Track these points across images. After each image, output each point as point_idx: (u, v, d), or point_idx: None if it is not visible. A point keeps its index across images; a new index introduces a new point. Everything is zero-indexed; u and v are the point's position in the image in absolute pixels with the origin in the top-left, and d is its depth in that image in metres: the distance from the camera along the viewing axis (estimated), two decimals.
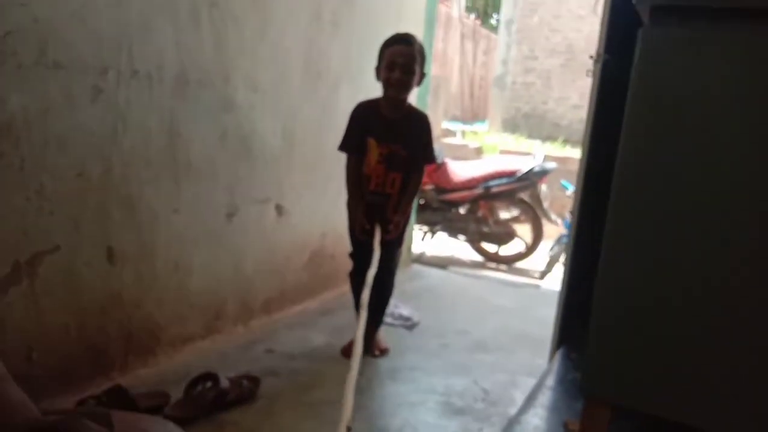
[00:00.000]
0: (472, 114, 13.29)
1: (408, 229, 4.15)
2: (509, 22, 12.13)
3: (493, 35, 14.28)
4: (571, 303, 2.51)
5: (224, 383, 2.17)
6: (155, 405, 2.08)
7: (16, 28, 1.77)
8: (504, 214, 5.58)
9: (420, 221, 5.34)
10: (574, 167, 6.72)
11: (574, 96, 11.40)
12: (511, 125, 11.90)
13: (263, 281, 3.03)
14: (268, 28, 2.77)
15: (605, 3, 2.45)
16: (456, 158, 6.30)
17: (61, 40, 1.91)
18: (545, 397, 2.01)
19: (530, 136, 10.84)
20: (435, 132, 8.39)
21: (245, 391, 2.24)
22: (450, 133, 9.27)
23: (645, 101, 1.48)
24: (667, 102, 1.43)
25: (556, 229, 5.64)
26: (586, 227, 2.48)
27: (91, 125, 2.05)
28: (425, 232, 5.46)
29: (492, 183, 5.34)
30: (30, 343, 1.97)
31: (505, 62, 12.21)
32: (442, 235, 5.51)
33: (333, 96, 3.28)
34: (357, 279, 2.65)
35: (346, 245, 2.78)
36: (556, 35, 11.73)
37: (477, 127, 11.66)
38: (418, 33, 3.98)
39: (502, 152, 8.36)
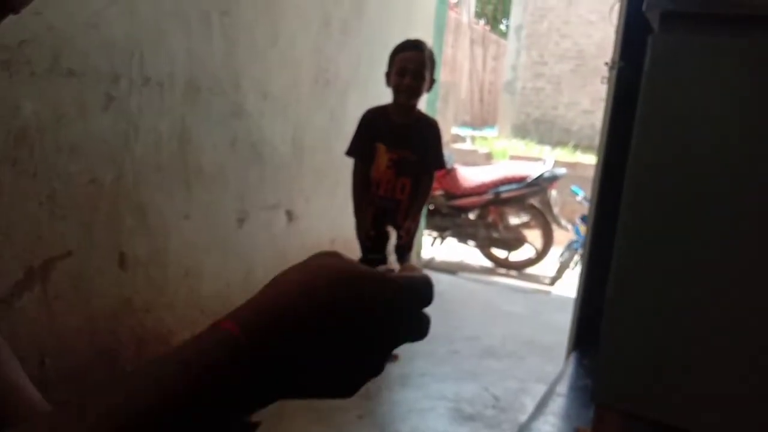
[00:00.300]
0: (482, 119, 13.28)
1: (417, 234, 4.15)
2: (519, 28, 12.13)
3: (502, 41, 14.28)
4: (587, 308, 2.50)
5: None
6: None
7: (30, 37, 1.79)
8: (514, 220, 5.57)
9: (429, 226, 5.34)
10: (585, 172, 6.70)
11: (585, 101, 11.37)
12: (521, 131, 11.89)
13: None
14: (278, 36, 2.78)
15: (620, 10, 2.45)
16: (466, 164, 6.30)
17: (75, 49, 1.93)
18: (556, 404, 2.00)
19: (540, 141, 10.82)
20: (444, 137, 8.39)
21: None
22: (460, 138, 9.27)
23: (655, 108, 1.47)
24: (678, 109, 1.43)
25: (566, 235, 5.61)
26: (603, 233, 2.47)
27: (103, 132, 2.07)
28: (435, 238, 5.45)
29: (502, 188, 5.33)
30: (42, 348, 1.99)
31: (514, 68, 12.20)
32: (451, 241, 5.50)
33: (342, 103, 3.29)
34: None
35: (355, 251, 2.79)
36: (566, 41, 11.71)
37: (487, 132, 11.65)
38: (428, 39, 3.99)
39: (512, 158, 8.35)
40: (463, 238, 5.46)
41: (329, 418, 2.21)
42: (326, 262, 0.42)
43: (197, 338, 0.39)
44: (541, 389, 2.40)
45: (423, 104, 3.81)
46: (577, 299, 2.57)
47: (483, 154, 8.37)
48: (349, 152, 2.61)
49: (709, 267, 1.41)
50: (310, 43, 3.01)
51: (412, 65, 2.42)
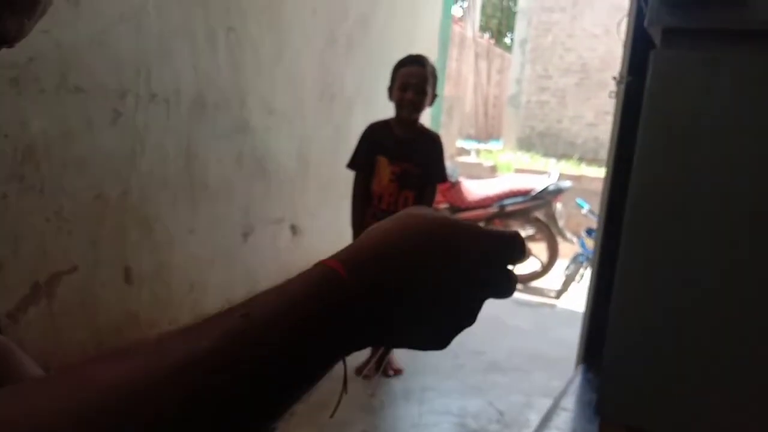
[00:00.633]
0: (487, 133, 13.31)
1: None
2: (523, 42, 12.19)
3: (507, 54, 14.35)
4: (594, 322, 2.49)
5: None
6: None
7: (38, 54, 1.82)
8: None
9: None
10: (590, 185, 6.68)
11: (589, 114, 11.39)
12: (526, 144, 11.90)
13: None
14: (283, 52, 2.81)
15: (627, 25, 2.47)
16: (470, 177, 6.30)
17: (82, 65, 1.96)
18: (561, 419, 1.99)
19: (545, 154, 10.82)
20: (449, 151, 8.41)
21: None
22: (464, 151, 9.29)
23: (657, 122, 1.48)
24: (679, 123, 1.44)
25: (571, 248, 5.60)
26: (611, 247, 2.47)
27: (109, 148, 2.10)
28: None
29: (507, 202, 5.33)
30: (48, 362, 1.99)
31: (519, 81, 12.25)
32: None
33: (347, 117, 3.31)
34: None
35: None
36: (571, 54, 11.75)
37: (491, 145, 11.68)
38: (432, 54, 4.02)
39: (517, 171, 8.35)
40: None
41: None
42: (425, 212, 0.44)
43: (302, 275, 0.40)
44: (546, 404, 2.39)
45: (427, 118, 3.83)
46: (585, 313, 2.56)
47: (488, 167, 8.38)
48: (351, 165, 2.63)
49: (712, 281, 1.41)
50: (315, 58, 3.04)
51: (414, 80, 2.44)
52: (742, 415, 1.35)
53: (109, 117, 2.08)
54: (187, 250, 2.47)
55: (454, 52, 11.71)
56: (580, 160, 10.17)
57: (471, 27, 12.84)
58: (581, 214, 5.57)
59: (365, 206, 2.61)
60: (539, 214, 5.40)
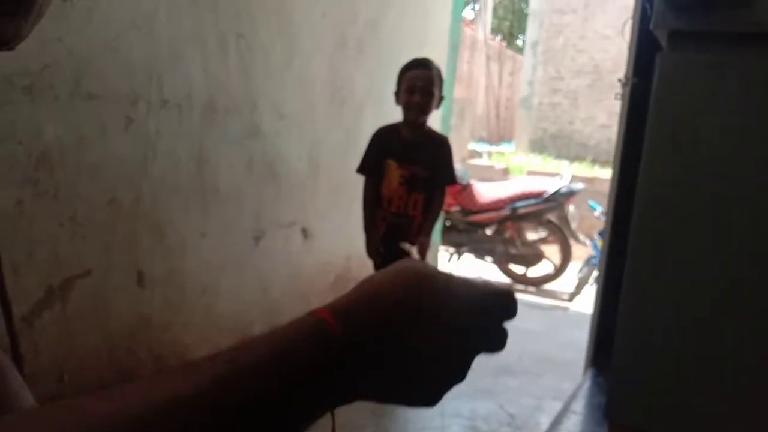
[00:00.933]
0: (499, 135, 13.28)
1: (431, 250, 4.15)
2: (535, 44, 12.15)
3: (518, 56, 14.31)
4: (603, 325, 2.49)
5: None
6: None
7: (52, 62, 1.85)
8: (531, 236, 5.54)
9: (446, 242, 5.33)
10: (603, 187, 6.65)
11: (602, 116, 11.33)
12: (539, 146, 11.86)
13: (289, 304, 3.06)
14: (294, 57, 2.83)
15: (632, 27, 2.46)
16: (482, 179, 6.30)
17: (95, 73, 1.99)
18: (571, 422, 1.99)
19: (558, 156, 10.78)
20: (461, 153, 8.38)
21: None
22: (476, 154, 9.28)
23: (664, 125, 1.48)
24: (686, 125, 1.43)
25: (584, 250, 5.57)
26: (619, 248, 2.46)
27: (122, 154, 2.13)
28: (451, 254, 5.44)
29: (519, 204, 5.32)
30: (62, 366, 2.03)
31: (531, 83, 12.21)
32: (468, 257, 5.49)
33: (357, 121, 3.33)
34: None
35: (370, 268, 2.80)
36: (582, 56, 11.70)
37: (504, 147, 11.65)
38: (443, 57, 4.02)
39: (529, 173, 8.33)
40: (480, 253, 5.45)
41: None
42: (418, 266, 0.44)
43: (292, 323, 0.40)
44: (557, 407, 2.39)
45: (437, 121, 3.84)
46: (593, 315, 2.55)
47: (500, 170, 8.36)
48: (361, 169, 2.64)
49: (719, 283, 1.40)
50: (325, 62, 3.06)
51: (421, 83, 2.46)
52: (752, 418, 1.34)
53: (121, 123, 2.11)
54: (199, 255, 2.50)
55: (465, 55, 11.70)
56: (593, 162, 10.11)
57: (482, 29, 12.83)
58: (594, 216, 5.54)
59: (376, 210, 2.63)
60: (552, 217, 5.39)
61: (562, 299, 5.16)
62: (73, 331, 2.04)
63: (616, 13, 10.60)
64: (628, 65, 2.48)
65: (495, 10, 17.02)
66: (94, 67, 1.98)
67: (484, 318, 0.44)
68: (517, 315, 0.44)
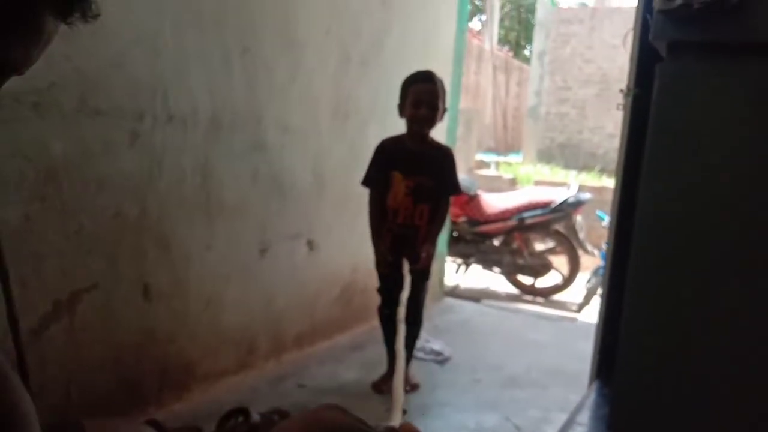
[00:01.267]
0: (507, 145, 13.29)
1: (438, 261, 4.14)
2: (542, 54, 12.18)
3: (525, 66, 14.34)
4: (609, 336, 2.47)
5: (255, 418, 2.18)
6: None
7: (59, 80, 1.89)
8: (539, 246, 5.53)
9: (453, 253, 5.33)
10: (611, 197, 6.60)
11: (610, 125, 11.31)
12: (546, 156, 11.85)
13: (295, 316, 3.07)
14: (298, 72, 2.86)
15: (633, 37, 2.47)
16: (490, 190, 6.30)
17: (101, 89, 2.02)
18: None
19: (566, 166, 10.76)
20: (468, 164, 8.38)
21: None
22: (484, 164, 9.28)
23: (664, 135, 1.49)
24: (686, 135, 1.44)
25: (593, 261, 5.55)
26: (623, 259, 2.46)
27: (128, 168, 2.15)
28: (459, 265, 5.43)
29: (526, 214, 5.31)
30: (69, 377, 2.04)
31: (538, 93, 12.22)
32: (476, 268, 5.48)
33: (361, 134, 3.35)
34: (385, 313, 2.68)
35: (376, 280, 2.81)
36: (590, 65, 11.71)
37: (511, 158, 11.64)
38: (447, 69, 4.04)
39: (537, 183, 8.32)
40: (487, 264, 5.44)
41: None
42: (328, 417, 0.45)
43: None
44: (563, 419, 2.37)
45: (443, 132, 3.85)
46: (598, 326, 2.54)
47: (507, 180, 8.36)
48: (365, 182, 2.66)
49: (722, 294, 1.40)
50: (329, 77, 3.08)
51: (426, 96, 2.48)
52: (754, 430, 1.33)
53: (127, 138, 2.14)
54: (204, 267, 2.51)
55: (472, 66, 11.74)
56: (602, 171, 10.08)
57: (489, 40, 12.87)
58: (602, 226, 5.52)
59: (382, 221, 2.64)
60: (559, 227, 5.38)
61: (570, 310, 5.13)
62: (79, 343, 2.06)
63: (623, 22, 10.60)
64: (630, 76, 2.49)
65: (502, 20, 17.08)
66: (100, 84, 2.01)
67: None
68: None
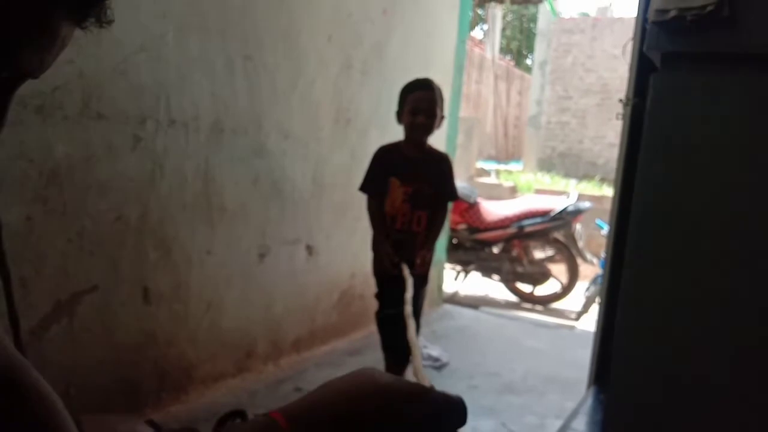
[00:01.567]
0: (507, 153, 13.32)
1: (436, 268, 4.16)
2: (543, 63, 12.23)
3: (527, 75, 14.40)
4: (606, 342, 2.49)
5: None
6: None
7: (63, 83, 1.91)
8: (539, 254, 5.54)
9: (453, 260, 5.34)
10: (610, 206, 6.61)
11: (610, 134, 11.34)
12: (547, 164, 11.88)
13: (293, 320, 3.09)
14: (299, 78, 2.89)
15: (633, 48, 2.50)
16: (491, 198, 6.32)
17: (104, 93, 2.05)
18: None
19: (566, 175, 10.79)
20: (469, 172, 8.39)
21: None
22: (484, 172, 9.30)
23: (657, 146, 1.51)
24: (679, 146, 1.46)
25: (592, 269, 5.56)
26: (621, 267, 2.47)
27: (130, 172, 2.18)
28: (458, 272, 5.45)
29: (525, 222, 5.33)
30: (68, 379, 2.06)
31: (539, 102, 12.27)
32: (475, 275, 5.49)
33: (362, 141, 3.37)
34: (389, 314, 2.67)
35: (374, 286, 2.83)
36: (591, 75, 11.76)
37: (512, 166, 11.68)
38: (448, 78, 4.08)
39: (537, 191, 8.35)
40: (487, 272, 5.45)
41: None
42: (374, 375, 0.46)
43: (250, 422, 0.45)
44: (559, 425, 2.38)
45: (442, 139, 3.88)
46: (596, 333, 2.56)
47: (508, 188, 8.38)
48: (363, 188, 2.68)
49: (716, 301, 1.42)
50: (330, 84, 3.11)
51: (424, 104, 2.50)
52: None
53: (129, 142, 2.16)
54: (204, 271, 2.53)
55: (474, 74, 11.79)
56: (602, 180, 10.11)
57: (491, 49, 12.93)
58: (601, 235, 5.53)
59: (383, 225, 2.64)
60: (559, 235, 5.39)
61: (569, 318, 5.14)
62: (79, 344, 2.07)
63: (624, 32, 10.65)
64: (629, 85, 2.52)
65: (504, 30, 17.15)
66: (103, 89, 2.04)
67: (434, 425, 0.46)
68: (464, 422, 0.46)
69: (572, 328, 4.68)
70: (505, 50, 17.94)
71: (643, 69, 2.41)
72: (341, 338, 3.43)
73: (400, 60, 3.62)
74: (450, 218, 4.96)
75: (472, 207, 5.37)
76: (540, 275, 5.42)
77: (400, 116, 2.60)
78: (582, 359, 2.67)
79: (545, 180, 9.92)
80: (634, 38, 2.52)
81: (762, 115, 1.35)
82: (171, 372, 2.44)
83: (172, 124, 2.31)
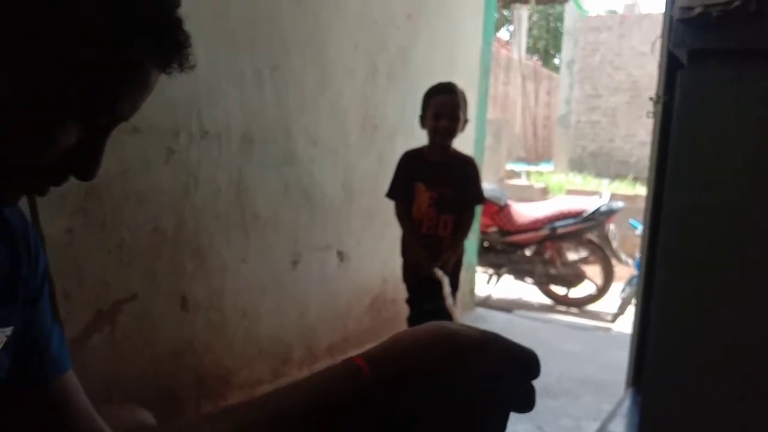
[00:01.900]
0: (537, 154, 13.21)
1: (468, 271, 4.15)
2: (571, 62, 12.11)
3: (555, 75, 14.27)
4: (643, 344, 2.46)
5: None
6: None
7: None
8: (572, 256, 5.48)
9: (484, 264, 5.32)
10: (644, 206, 6.52)
11: (642, 133, 11.16)
12: (578, 164, 11.74)
13: (327, 326, 3.12)
14: (326, 86, 2.93)
15: (662, 44, 2.47)
16: (521, 199, 6.28)
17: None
18: None
19: (598, 174, 10.65)
20: (499, 174, 8.36)
21: None
22: (514, 174, 9.25)
23: (687, 143, 1.49)
24: (708, 142, 1.45)
25: (627, 270, 5.47)
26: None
27: (165, 183, 2.24)
28: (490, 275, 5.42)
29: (557, 224, 5.27)
30: (110, 386, 2.12)
31: (568, 102, 12.14)
32: (508, 278, 5.46)
33: (389, 146, 3.40)
34: (416, 316, 2.68)
35: (405, 291, 2.84)
36: (619, 73, 11.60)
37: (543, 167, 11.57)
38: (474, 80, 4.08)
39: (569, 192, 8.25)
40: (519, 275, 5.41)
41: None
42: (453, 326, 0.48)
43: (329, 368, 0.46)
44: (595, 428, 2.36)
45: (470, 143, 3.88)
46: (633, 335, 2.53)
47: (539, 189, 8.31)
48: (390, 194, 2.70)
49: (751, 300, 1.39)
50: (357, 90, 3.15)
51: (448, 108, 2.51)
52: None
53: (164, 154, 2.22)
54: (239, 279, 2.58)
55: (501, 75, 11.74)
56: (635, 179, 9.94)
57: (518, 49, 12.86)
58: (636, 235, 5.45)
59: (412, 228, 2.65)
60: (592, 236, 5.32)
61: (605, 320, 5.07)
62: (120, 352, 2.14)
63: (652, 29, 10.48)
64: (659, 83, 2.49)
65: (530, 29, 17.04)
66: None
67: (510, 380, 0.47)
68: (538, 374, 0.47)
69: (608, 330, 4.61)
70: (531, 50, 17.81)
71: (672, 66, 2.39)
72: (374, 343, 3.42)
73: (425, 64, 3.64)
74: (480, 221, 4.94)
75: (503, 209, 5.33)
76: (574, 277, 5.35)
77: (423, 120, 2.61)
78: (618, 361, 2.65)
79: (577, 180, 9.81)
80: (662, 35, 2.49)
81: None
82: (209, 379, 2.49)
83: (205, 136, 2.36)
